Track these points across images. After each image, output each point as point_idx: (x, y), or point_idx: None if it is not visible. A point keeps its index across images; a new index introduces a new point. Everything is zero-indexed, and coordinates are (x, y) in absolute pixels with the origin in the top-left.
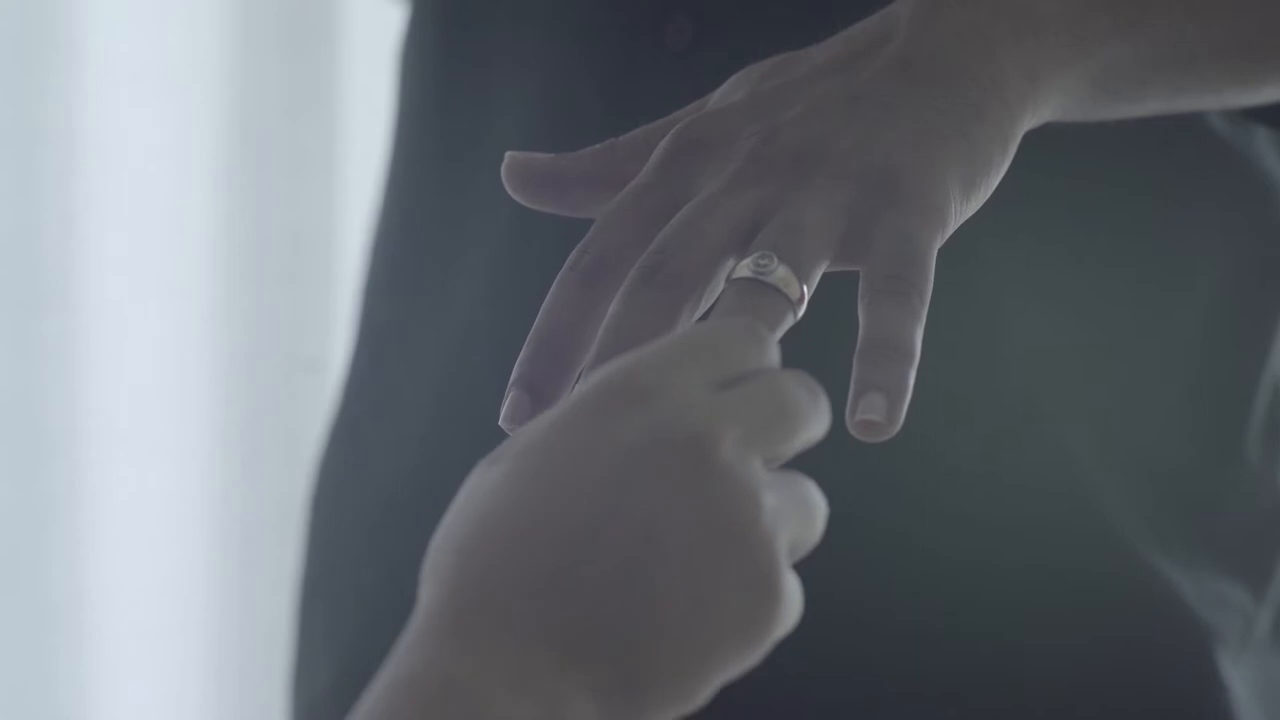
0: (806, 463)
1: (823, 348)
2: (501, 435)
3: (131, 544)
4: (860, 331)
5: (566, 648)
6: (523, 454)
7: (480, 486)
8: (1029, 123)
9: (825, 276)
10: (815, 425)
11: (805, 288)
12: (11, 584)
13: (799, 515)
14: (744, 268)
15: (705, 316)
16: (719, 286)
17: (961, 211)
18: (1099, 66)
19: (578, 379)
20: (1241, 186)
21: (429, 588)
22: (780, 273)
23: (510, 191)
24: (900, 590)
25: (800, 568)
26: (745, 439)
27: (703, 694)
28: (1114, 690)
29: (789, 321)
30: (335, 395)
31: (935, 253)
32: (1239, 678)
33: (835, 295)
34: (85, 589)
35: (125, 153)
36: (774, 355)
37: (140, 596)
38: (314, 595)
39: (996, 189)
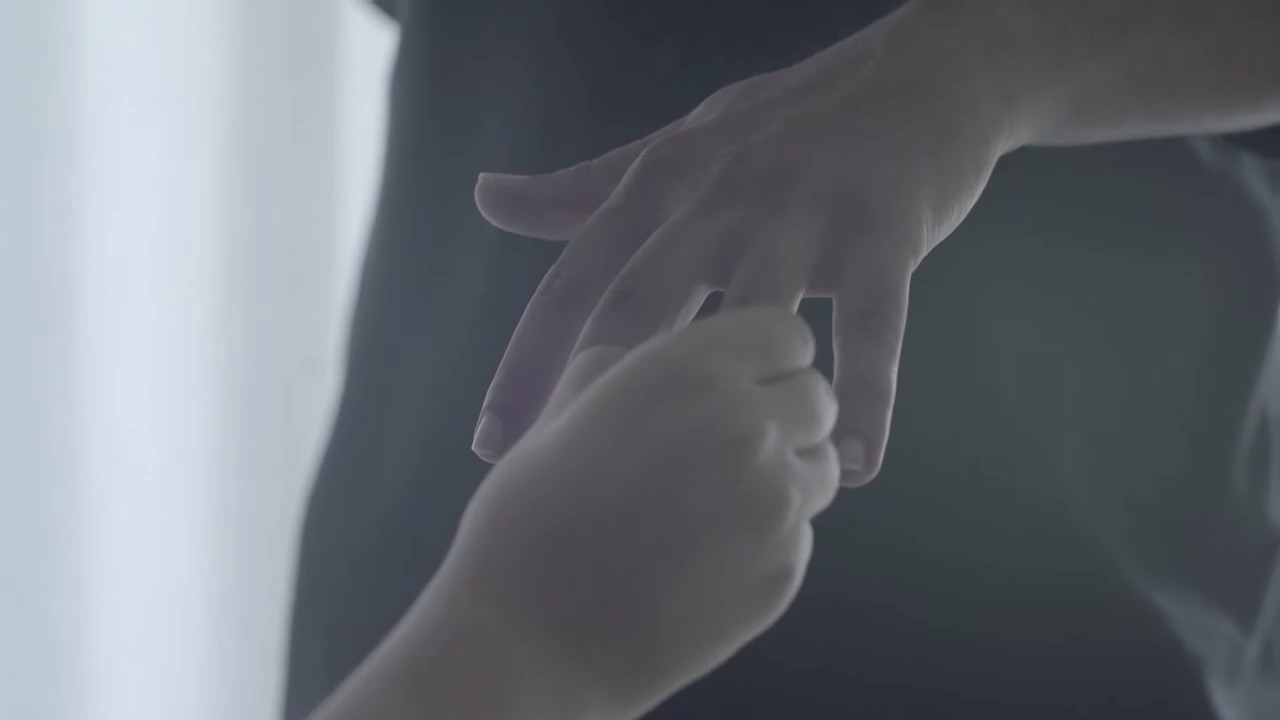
0: None
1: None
2: (489, 467)
3: (131, 546)
4: (836, 371)
5: (579, 624)
6: (571, 422)
7: (531, 443)
8: (1004, 146)
9: None
10: (829, 427)
11: None
12: (10, 581)
13: (818, 495)
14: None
15: None
16: (692, 311)
17: (934, 235)
18: (1077, 89)
19: None
20: (1229, 214)
21: (463, 535)
22: None
23: (484, 213)
24: (886, 615)
25: None
26: (784, 436)
27: (708, 668)
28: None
29: None
30: (326, 423)
31: (908, 279)
32: (1229, 708)
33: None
34: (84, 590)
35: (128, 159)
36: (811, 353)
37: (140, 599)
38: (304, 625)
39: (988, 213)
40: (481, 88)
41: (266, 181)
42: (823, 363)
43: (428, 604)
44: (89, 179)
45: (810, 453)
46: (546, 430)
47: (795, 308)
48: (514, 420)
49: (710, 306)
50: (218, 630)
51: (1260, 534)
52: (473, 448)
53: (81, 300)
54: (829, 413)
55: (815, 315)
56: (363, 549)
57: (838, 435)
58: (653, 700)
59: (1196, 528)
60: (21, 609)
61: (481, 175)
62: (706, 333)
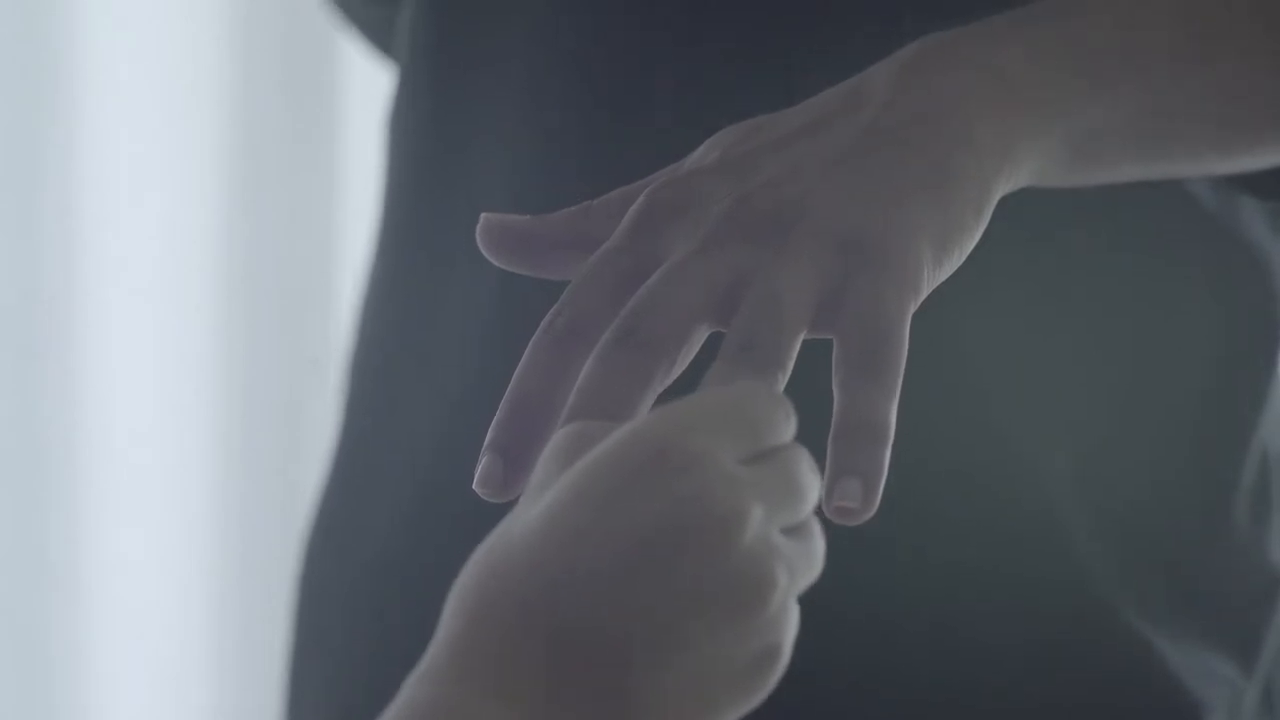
0: None
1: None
2: (488, 509)
3: (132, 547)
4: (835, 410)
5: (564, 707)
6: (554, 503)
7: (513, 526)
8: (1004, 187)
9: None
10: (813, 503)
11: (786, 364)
12: (10, 582)
13: (804, 574)
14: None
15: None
16: (693, 350)
17: (934, 276)
18: (1075, 130)
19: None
20: (1229, 255)
21: (447, 618)
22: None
23: (485, 253)
24: (876, 638)
25: None
26: (769, 516)
27: None
28: None
29: None
30: (325, 463)
31: (908, 319)
32: None
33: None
34: (84, 591)
35: (128, 159)
36: (793, 428)
37: (140, 600)
38: (303, 670)
39: (987, 253)
40: (482, 127)
41: (266, 181)
42: (823, 400)
43: (413, 688)
44: (89, 179)
45: (795, 530)
46: (529, 512)
47: (796, 348)
48: (515, 459)
49: (712, 345)
50: (219, 631)
51: (1261, 575)
52: (474, 487)
53: (82, 301)
54: (813, 489)
55: (815, 352)
56: (361, 594)
57: (835, 474)
58: None
59: (1197, 568)
60: (21, 610)
61: (482, 215)
62: (689, 412)
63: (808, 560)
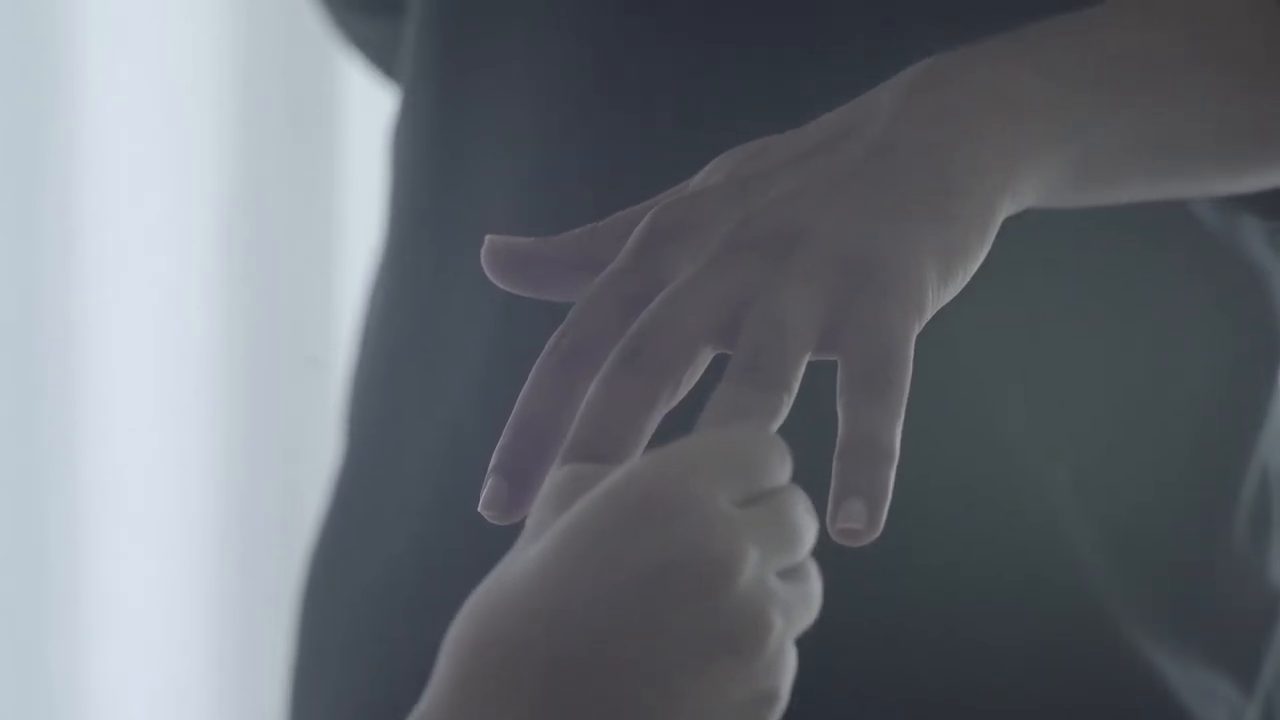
0: None
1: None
2: (493, 532)
3: (131, 546)
4: (840, 431)
5: None
6: (549, 548)
7: (510, 568)
8: (1009, 208)
9: None
10: (809, 545)
11: (791, 385)
12: (10, 581)
13: (801, 617)
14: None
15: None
16: (698, 371)
17: (939, 297)
18: (1080, 150)
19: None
20: (1229, 273)
21: (444, 660)
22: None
23: (490, 275)
24: (877, 659)
25: None
26: (764, 558)
27: None
28: None
29: (777, 421)
30: (327, 487)
31: (913, 341)
32: None
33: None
34: (84, 590)
35: (128, 159)
36: (789, 470)
37: (140, 600)
38: (305, 693)
39: (989, 271)
40: (485, 149)
41: (266, 182)
42: (827, 425)
43: None
44: (89, 179)
45: (792, 573)
46: (524, 556)
47: (802, 369)
48: (520, 482)
49: (716, 367)
50: (219, 630)
51: (1261, 594)
52: (479, 509)
53: (81, 301)
54: (809, 531)
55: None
56: (363, 619)
57: (839, 495)
58: None
59: (1197, 584)
60: (21, 610)
61: (487, 237)
62: (684, 455)
63: (804, 603)
